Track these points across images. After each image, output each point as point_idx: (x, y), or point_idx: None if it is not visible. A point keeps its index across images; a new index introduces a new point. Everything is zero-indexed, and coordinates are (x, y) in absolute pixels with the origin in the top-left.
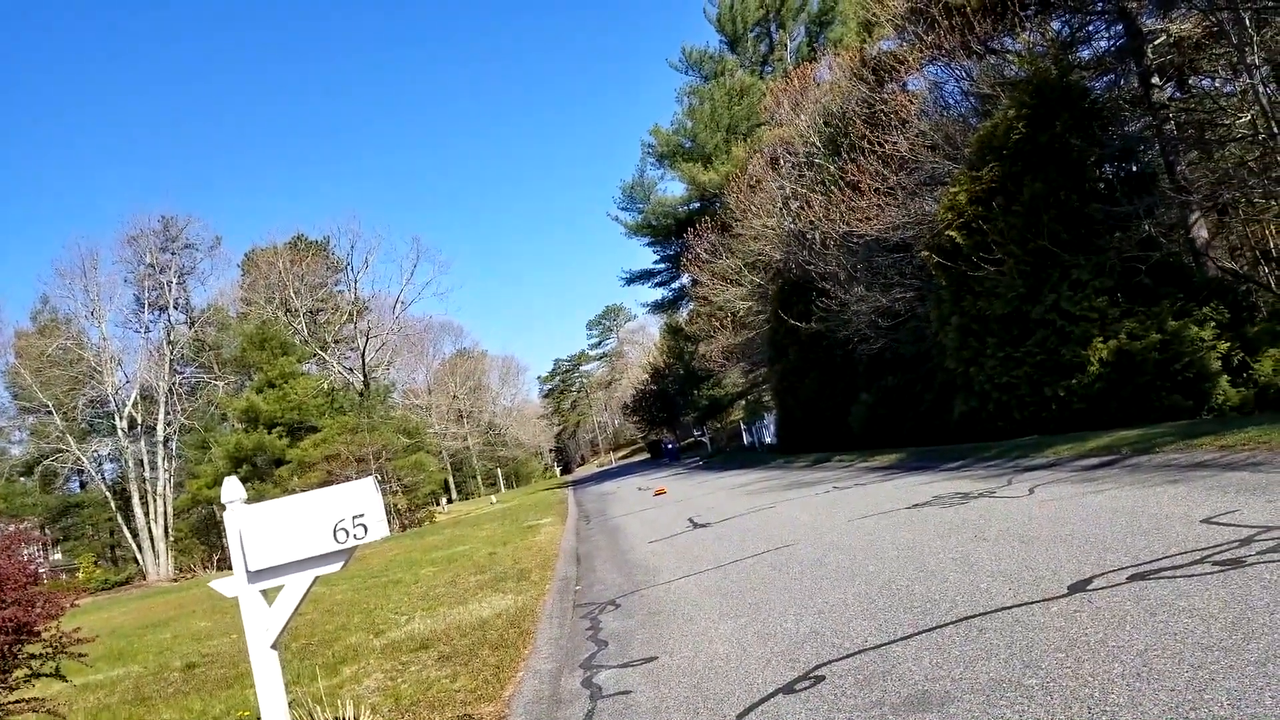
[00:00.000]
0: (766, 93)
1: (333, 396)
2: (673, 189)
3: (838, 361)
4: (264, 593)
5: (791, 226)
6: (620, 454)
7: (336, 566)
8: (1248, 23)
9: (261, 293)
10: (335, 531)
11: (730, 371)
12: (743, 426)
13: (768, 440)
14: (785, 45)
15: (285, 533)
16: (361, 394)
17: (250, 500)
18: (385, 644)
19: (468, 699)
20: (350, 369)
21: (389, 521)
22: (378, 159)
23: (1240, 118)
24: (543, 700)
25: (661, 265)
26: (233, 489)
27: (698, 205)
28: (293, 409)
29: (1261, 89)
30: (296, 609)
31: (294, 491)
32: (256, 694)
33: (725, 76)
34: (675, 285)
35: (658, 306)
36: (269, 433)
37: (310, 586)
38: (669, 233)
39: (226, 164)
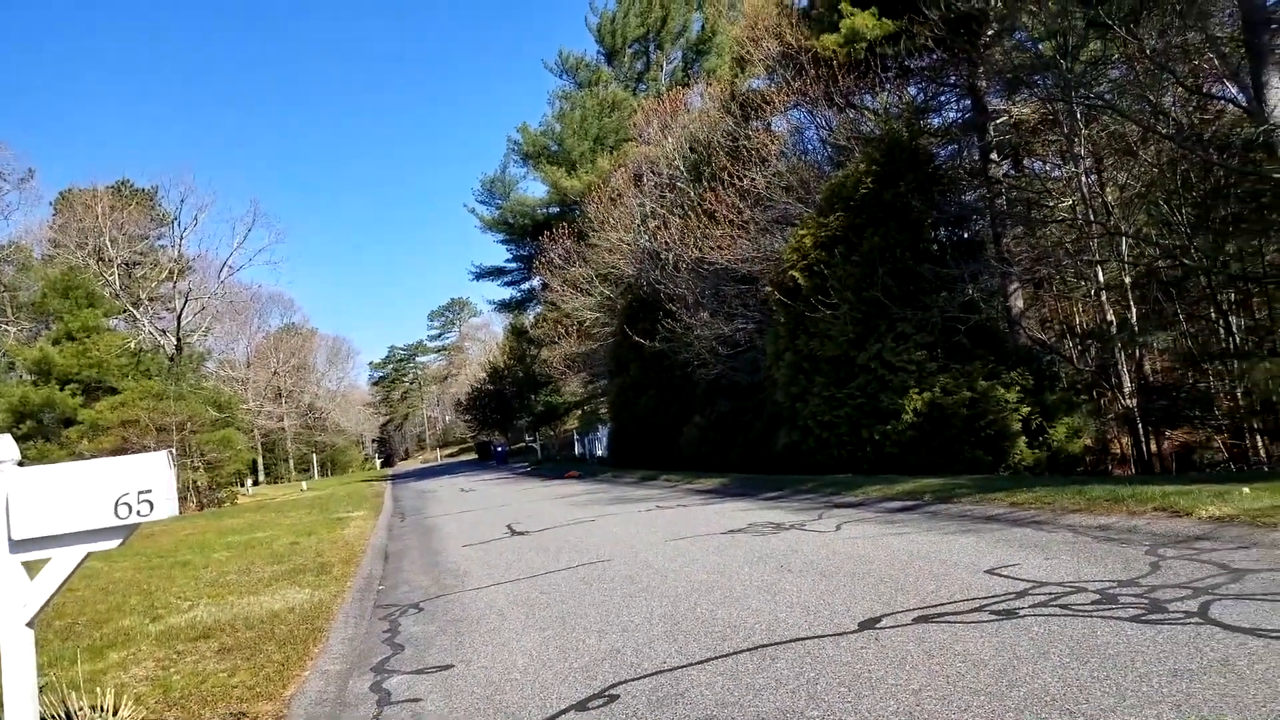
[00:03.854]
0: (638, 110)
1: (139, 358)
2: (534, 190)
3: (676, 382)
4: (26, 565)
5: (647, 244)
6: (447, 451)
7: (114, 544)
8: (1078, 115)
9: (74, 236)
10: (117, 506)
11: (570, 380)
12: (576, 436)
13: (599, 452)
14: (661, 66)
15: (59, 502)
16: (172, 359)
17: (32, 460)
18: (162, 630)
19: (245, 695)
20: (163, 331)
21: (187, 499)
22: (222, 113)
23: (1063, 202)
24: (325, 702)
25: (514, 264)
26: (4, 447)
27: (557, 210)
28: (92, 366)
29: (1084, 178)
30: (63, 585)
31: (83, 455)
32: (0, 675)
33: (599, 87)
34: (525, 286)
35: (505, 305)
36: (61, 389)
37: (82, 562)
38: (525, 233)
39: (52, 91)
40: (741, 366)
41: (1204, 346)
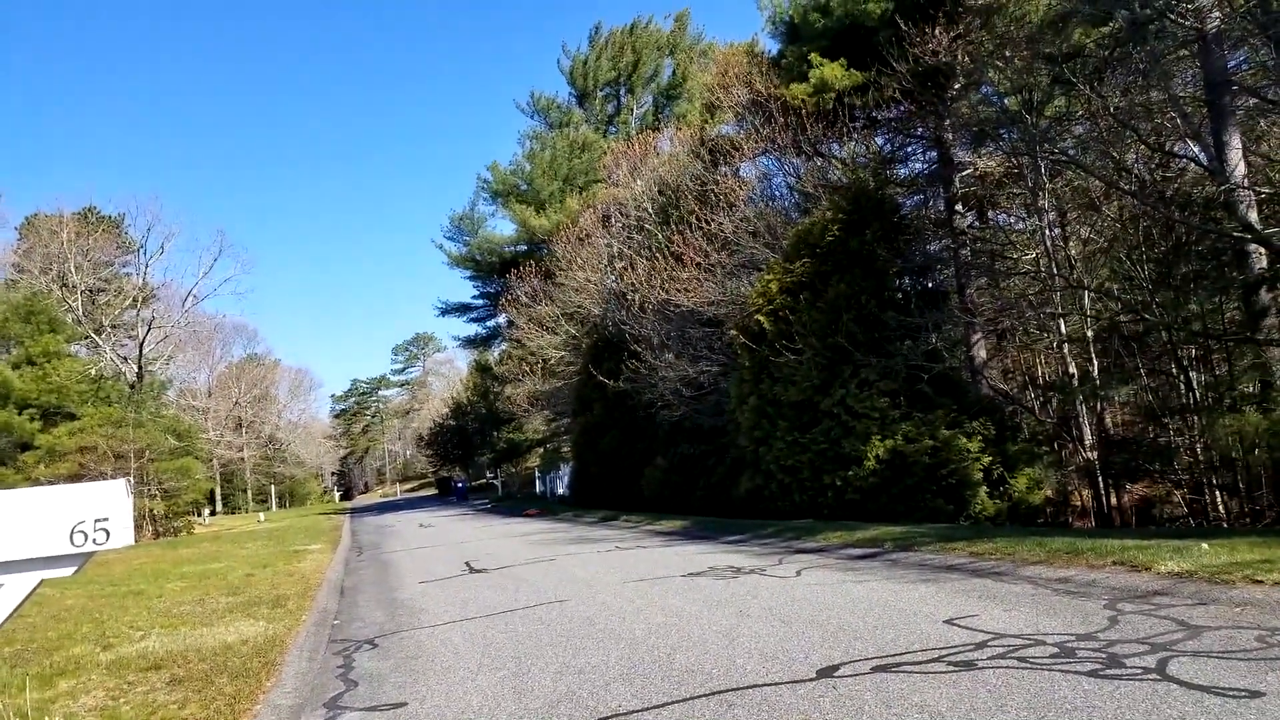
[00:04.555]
0: (608, 152)
1: (100, 385)
2: (502, 228)
3: (640, 423)
4: None
5: (614, 285)
6: (407, 486)
7: (68, 571)
8: (1043, 170)
9: (38, 262)
10: (72, 533)
11: (533, 418)
12: (538, 474)
13: (560, 491)
14: (632, 110)
15: (13, 528)
16: (133, 386)
17: None
18: (113, 659)
19: None
20: (125, 358)
21: (143, 527)
22: (192, 143)
23: (1027, 254)
24: None
25: (480, 301)
26: None
27: (525, 248)
28: (52, 391)
29: (1047, 232)
30: (14, 612)
31: (39, 481)
32: None
33: (570, 128)
34: (491, 323)
35: (470, 342)
36: (20, 413)
37: (35, 589)
38: (492, 270)
39: (22, 118)
40: (705, 409)
41: (1165, 401)
